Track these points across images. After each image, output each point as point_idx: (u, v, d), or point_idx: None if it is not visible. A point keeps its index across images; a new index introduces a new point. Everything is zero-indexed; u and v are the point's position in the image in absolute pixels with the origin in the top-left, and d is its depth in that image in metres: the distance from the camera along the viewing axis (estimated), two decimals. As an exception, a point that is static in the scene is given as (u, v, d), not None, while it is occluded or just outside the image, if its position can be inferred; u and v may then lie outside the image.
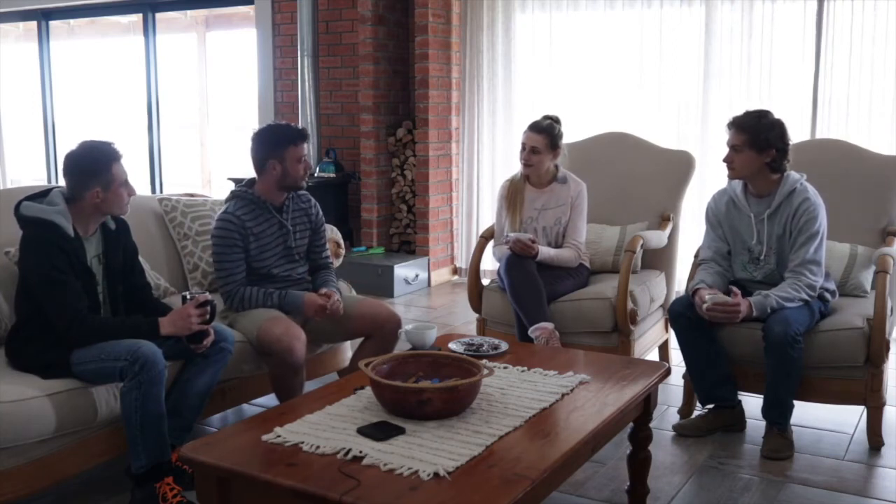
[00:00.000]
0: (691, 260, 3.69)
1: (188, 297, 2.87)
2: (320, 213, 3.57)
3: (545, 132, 3.87)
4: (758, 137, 3.28)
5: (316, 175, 6.61)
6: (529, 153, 3.88)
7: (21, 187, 3.48)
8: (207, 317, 2.85)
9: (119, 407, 2.74)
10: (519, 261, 3.69)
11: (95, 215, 2.84)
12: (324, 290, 3.36)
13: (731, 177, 3.41)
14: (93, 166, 2.78)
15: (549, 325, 3.58)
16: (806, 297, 3.25)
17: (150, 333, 2.78)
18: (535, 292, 3.64)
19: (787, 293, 3.24)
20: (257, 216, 3.33)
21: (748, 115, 3.35)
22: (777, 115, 3.37)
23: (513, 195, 3.97)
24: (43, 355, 2.73)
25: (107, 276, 2.91)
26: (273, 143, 3.31)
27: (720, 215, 3.50)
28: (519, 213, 3.93)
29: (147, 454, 2.71)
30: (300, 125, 6.47)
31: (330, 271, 3.58)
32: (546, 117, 3.93)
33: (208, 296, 2.88)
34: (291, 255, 3.42)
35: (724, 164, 3.38)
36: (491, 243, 4.12)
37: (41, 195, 2.82)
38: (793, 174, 3.36)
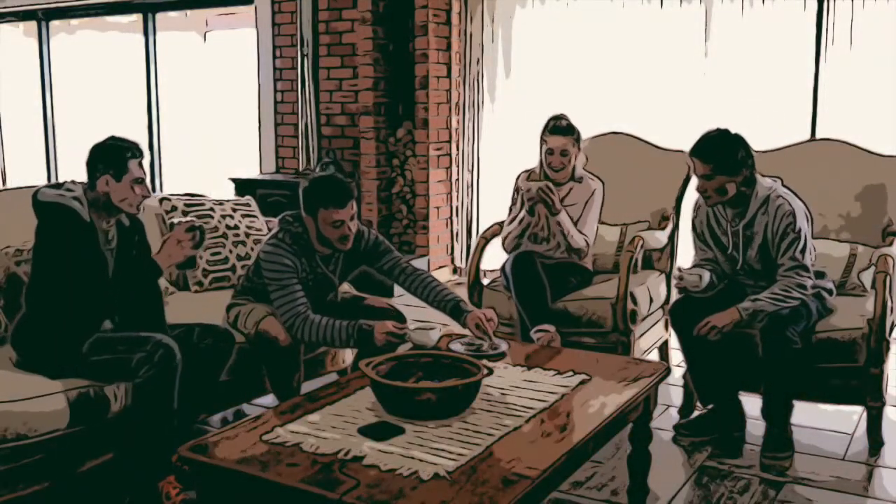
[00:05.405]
0: (690, 261, 3.69)
1: (175, 223, 2.92)
2: (372, 238, 3.27)
3: (569, 133, 3.84)
4: (726, 162, 3.18)
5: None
6: (560, 156, 3.84)
7: (21, 187, 3.48)
8: (197, 240, 2.88)
9: (126, 403, 2.77)
10: (525, 260, 3.68)
11: (108, 206, 2.83)
12: (477, 312, 3.03)
13: (709, 204, 3.32)
14: (108, 152, 2.82)
15: (552, 328, 3.58)
16: (798, 295, 3.22)
17: (153, 275, 2.87)
18: (540, 293, 3.64)
19: (777, 295, 3.21)
20: (303, 261, 3.12)
21: (708, 140, 3.23)
22: (732, 131, 3.24)
23: None
24: (53, 348, 2.75)
25: (118, 268, 2.91)
26: (306, 199, 3.07)
27: (702, 225, 3.47)
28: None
29: (151, 452, 2.72)
30: (302, 123, 6.48)
31: (433, 278, 3.26)
32: (559, 117, 3.89)
33: (195, 221, 2.94)
34: (323, 300, 3.27)
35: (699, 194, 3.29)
36: (493, 242, 4.09)
37: (56, 186, 2.85)
38: (765, 181, 3.29)
